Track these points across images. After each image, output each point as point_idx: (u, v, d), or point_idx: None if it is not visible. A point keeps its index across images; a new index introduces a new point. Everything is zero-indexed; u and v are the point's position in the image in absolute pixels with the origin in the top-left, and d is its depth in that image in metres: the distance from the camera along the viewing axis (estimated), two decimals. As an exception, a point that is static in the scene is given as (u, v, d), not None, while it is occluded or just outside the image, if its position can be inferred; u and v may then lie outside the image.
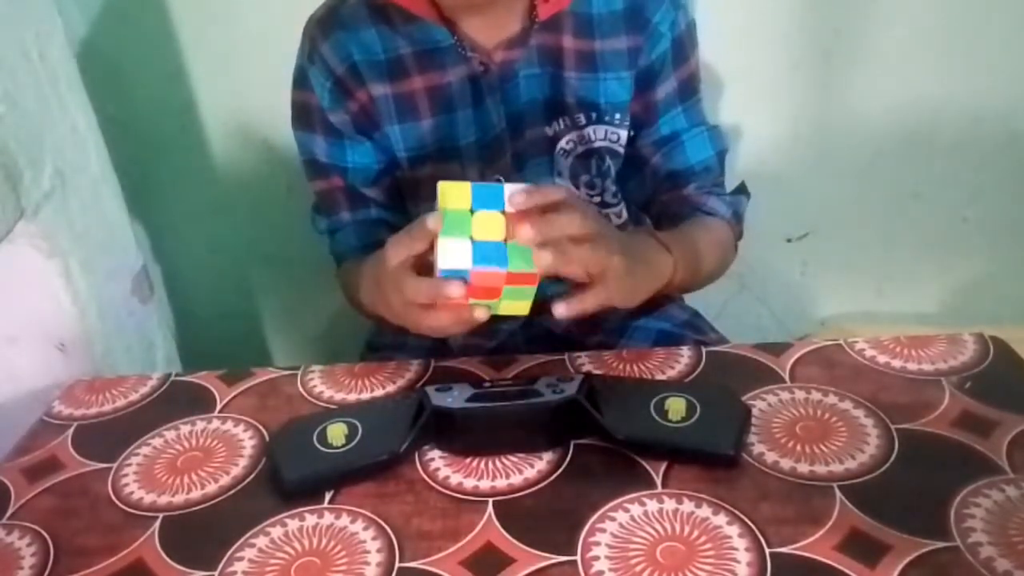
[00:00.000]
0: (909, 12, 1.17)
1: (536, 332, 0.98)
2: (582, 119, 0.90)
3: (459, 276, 0.64)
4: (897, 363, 0.74)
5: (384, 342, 1.02)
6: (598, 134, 0.91)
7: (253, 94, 1.23)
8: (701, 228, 0.89)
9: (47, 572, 0.61)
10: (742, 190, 0.97)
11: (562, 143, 0.91)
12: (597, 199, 0.94)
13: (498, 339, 0.98)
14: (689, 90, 0.93)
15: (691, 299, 1.07)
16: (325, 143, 0.92)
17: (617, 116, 0.90)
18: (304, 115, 0.93)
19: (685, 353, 0.78)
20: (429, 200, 0.92)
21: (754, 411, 0.68)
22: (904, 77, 1.20)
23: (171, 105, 1.26)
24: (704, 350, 0.79)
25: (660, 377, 0.75)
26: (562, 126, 0.90)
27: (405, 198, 0.96)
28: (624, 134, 0.92)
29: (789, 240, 1.36)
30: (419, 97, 0.89)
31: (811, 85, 1.23)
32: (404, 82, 0.88)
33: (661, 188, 0.95)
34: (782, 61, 1.22)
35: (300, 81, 0.92)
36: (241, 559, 0.60)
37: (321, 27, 0.89)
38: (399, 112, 0.89)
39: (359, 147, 0.92)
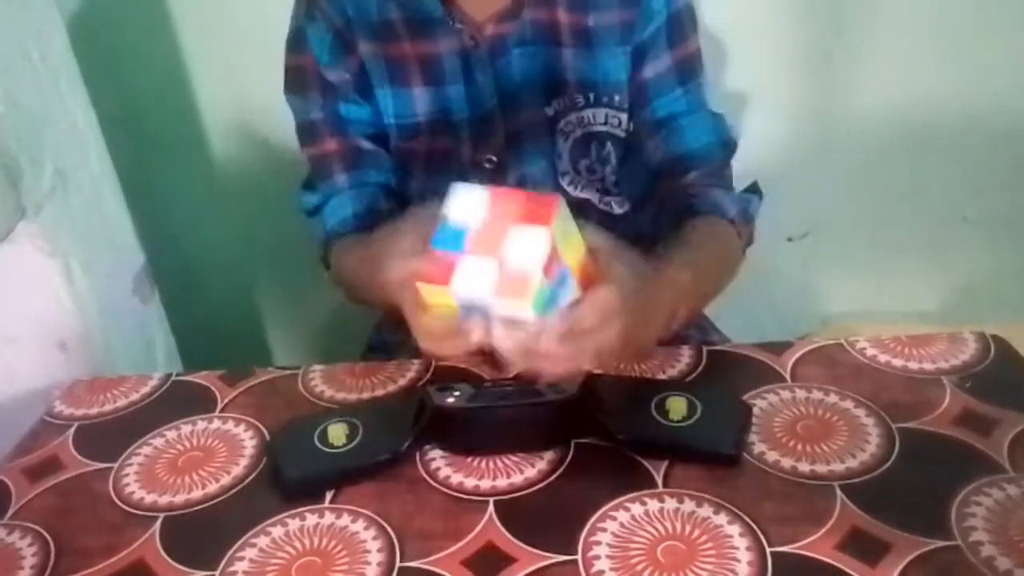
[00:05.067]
0: (909, 12, 1.17)
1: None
2: (580, 100, 0.88)
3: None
4: (898, 362, 0.74)
5: (386, 342, 1.02)
6: (598, 117, 0.89)
7: (253, 94, 1.23)
8: (707, 244, 0.80)
9: (47, 572, 0.61)
10: (754, 190, 0.91)
11: (562, 124, 0.90)
12: (597, 185, 0.93)
13: None
14: (689, 72, 0.90)
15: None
16: (321, 100, 0.90)
17: (616, 98, 0.89)
18: (298, 78, 0.91)
19: (685, 353, 0.78)
20: (419, 177, 0.91)
21: (755, 410, 0.68)
22: (904, 77, 1.20)
23: (172, 105, 1.26)
24: (705, 349, 0.79)
25: (660, 377, 0.75)
26: (561, 106, 0.89)
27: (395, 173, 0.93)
28: (625, 118, 0.90)
29: (789, 239, 1.36)
30: (409, 62, 0.87)
31: (811, 85, 1.23)
32: (394, 45, 0.87)
33: (660, 176, 0.90)
34: (782, 61, 1.22)
35: (295, 43, 0.90)
36: (242, 559, 0.60)
37: None
38: (390, 75, 0.88)
39: (356, 108, 0.90)
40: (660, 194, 0.91)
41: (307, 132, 0.93)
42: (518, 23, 0.86)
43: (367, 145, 0.91)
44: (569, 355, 0.58)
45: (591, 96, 0.89)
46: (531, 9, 0.86)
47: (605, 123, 0.90)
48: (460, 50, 0.86)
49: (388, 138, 0.92)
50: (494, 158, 0.90)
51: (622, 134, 0.91)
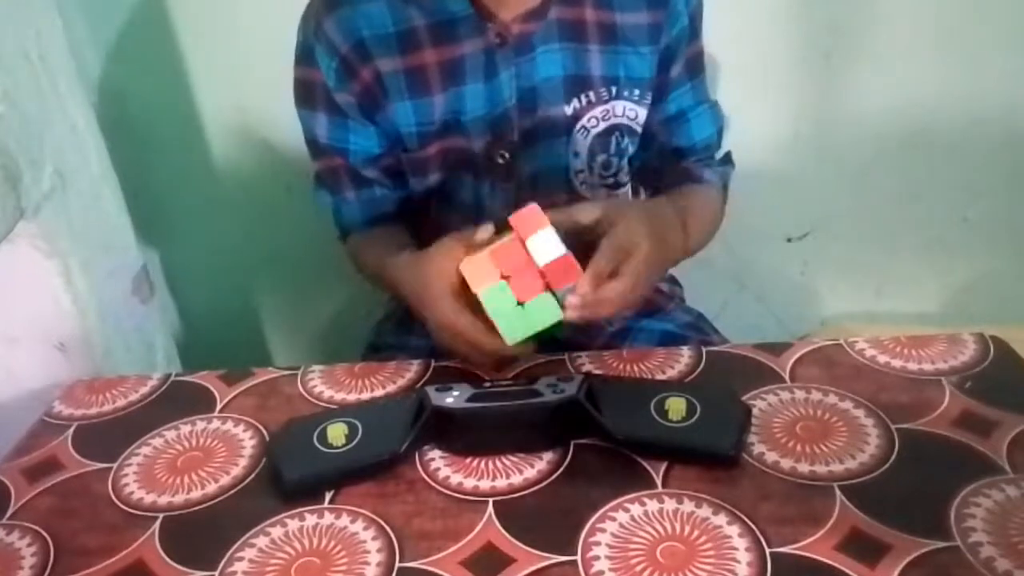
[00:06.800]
0: (909, 12, 1.17)
1: (541, 339, 0.97)
2: (605, 93, 0.90)
3: None
4: (897, 363, 0.74)
5: (387, 343, 1.02)
6: (617, 110, 0.91)
7: (253, 94, 1.23)
8: (700, 199, 0.92)
9: (47, 572, 0.61)
10: (728, 160, 0.99)
11: (584, 121, 0.90)
12: (611, 180, 0.94)
13: None
14: (697, 67, 0.94)
15: (691, 299, 1.07)
16: (328, 122, 0.91)
17: (636, 92, 0.90)
18: (308, 92, 0.92)
19: (685, 353, 0.78)
20: (434, 174, 0.92)
21: (754, 411, 0.68)
22: (904, 77, 1.20)
23: (171, 105, 1.26)
24: (704, 350, 0.79)
25: (660, 377, 0.75)
26: (584, 103, 0.90)
27: (408, 177, 0.94)
28: (643, 113, 0.92)
29: (789, 240, 1.36)
30: (431, 71, 0.87)
31: (811, 85, 1.23)
32: (415, 55, 0.87)
33: (662, 162, 0.96)
34: (782, 61, 1.22)
35: (305, 57, 0.90)
36: (241, 559, 0.60)
37: (326, 3, 0.88)
38: (410, 87, 0.88)
39: (362, 130, 0.91)
40: (655, 173, 0.97)
41: (315, 148, 0.95)
42: (544, 22, 0.86)
43: (370, 173, 0.94)
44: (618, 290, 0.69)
45: (613, 89, 0.90)
46: (558, 8, 0.86)
47: (623, 115, 0.91)
48: (485, 48, 0.87)
49: (392, 152, 0.93)
50: (506, 154, 0.90)
51: (638, 128, 0.93)
